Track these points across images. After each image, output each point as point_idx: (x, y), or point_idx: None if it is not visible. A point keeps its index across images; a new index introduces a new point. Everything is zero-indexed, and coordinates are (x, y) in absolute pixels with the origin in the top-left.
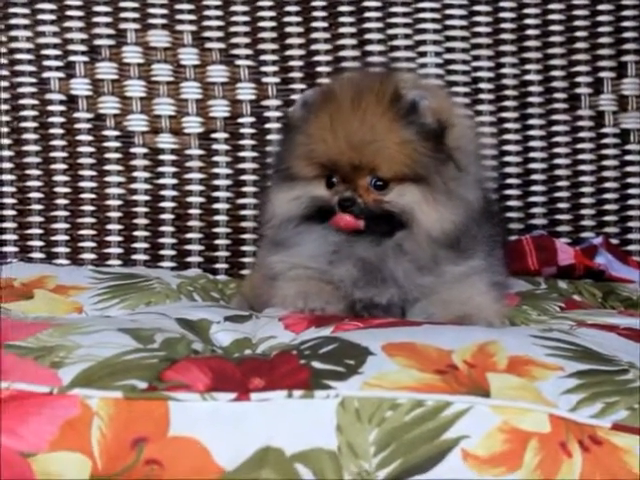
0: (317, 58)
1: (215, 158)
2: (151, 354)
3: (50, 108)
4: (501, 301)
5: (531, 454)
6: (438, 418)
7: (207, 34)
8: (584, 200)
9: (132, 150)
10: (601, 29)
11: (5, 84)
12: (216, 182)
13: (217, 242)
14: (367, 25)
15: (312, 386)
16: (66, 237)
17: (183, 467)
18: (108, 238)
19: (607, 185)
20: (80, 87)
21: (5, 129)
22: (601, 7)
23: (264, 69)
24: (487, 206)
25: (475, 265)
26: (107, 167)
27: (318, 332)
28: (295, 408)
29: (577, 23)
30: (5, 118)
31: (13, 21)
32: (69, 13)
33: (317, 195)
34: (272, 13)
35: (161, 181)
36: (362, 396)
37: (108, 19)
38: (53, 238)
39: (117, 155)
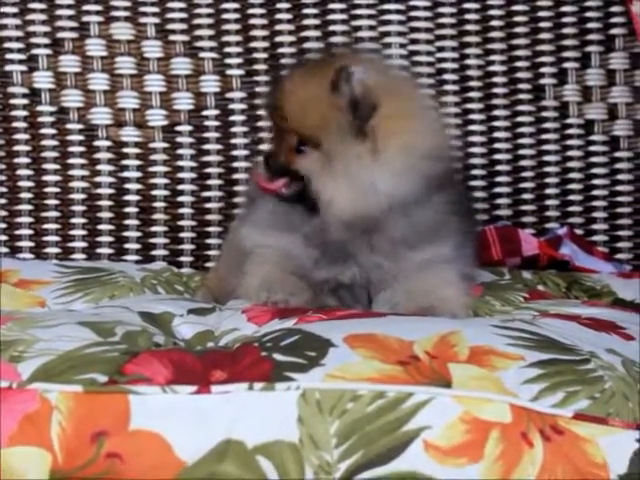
0: (281, 50)
1: (179, 151)
2: (112, 347)
3: (13, 101)
4: (468, 294)
5: (492, 444)
6: (399, 409)
7: (170, 26)
8: (549, 191)
9: (96, 143)
10: (565, 19)
11: None
12: (180, 175)
13: (182, 235)
14: (331, 17)
15: (273, 378)
16: (30, 231)
17: (144, 461)
18: (72, 232)
19: (571, 176)
20: (43, 80)
21: None
22: None
23: (228, 61)
24: (457, 195)
25: (442, 253)
26: (71, 161)
27: (281, 324)
28: (256, 400)
29: (541, 14)
30: None
31: None
32: (32, 6)
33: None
34: (236, 5)
35: (125, 174)
36: (323, 388)
37: (71, 12)
38: (17, 232)
39: (81, 148)
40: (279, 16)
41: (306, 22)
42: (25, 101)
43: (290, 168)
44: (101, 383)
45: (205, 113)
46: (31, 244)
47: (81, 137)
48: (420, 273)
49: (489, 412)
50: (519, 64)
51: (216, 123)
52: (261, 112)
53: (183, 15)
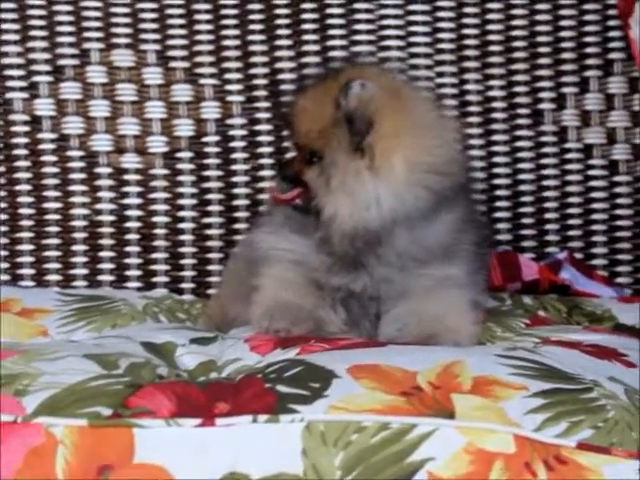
0: (281, 76)
1: (180, 177)
2: (116, 380)
3: (14, 129)
4: (476, 323)
5: (496, 475)
6: (404, 440)
7: (171, 53)
8: (548, 215)
9: (97, 170)
10: (563, 44)
11: None
12: (181, 201)
13: (183, 262)
14: (331, 43)
15: (277, 410)
16: (31, 259)
17: None
18: (73, 259)
19: (571, 200)
20: (44, 107)
21: None
22: (564, 23)
23: (228, 87)
24: (469, 213)
25: (454, 276)
26: (72, 188)
27: (284, 354)
28: (260, 433)
29: (540, 39)
30: None
31: None
32: (33, 33)
33: None
34: (236, 32)
35: (126, 201)
36: (327, 420)
37: (72, 39)
38: (18, 259)
39: (82, 175)
40: (279, 42)
41: (306, 48)
42: (26, 128)
43: (301, 178)
44: (105, 417)
45: (206, 140)
46: (32, 271)
47: (82, 164)
48: (430, 295)
49: (493, 443)
50: (518, 89)
51: (217, 149)
52: (262, 138)
53: (183, 42)
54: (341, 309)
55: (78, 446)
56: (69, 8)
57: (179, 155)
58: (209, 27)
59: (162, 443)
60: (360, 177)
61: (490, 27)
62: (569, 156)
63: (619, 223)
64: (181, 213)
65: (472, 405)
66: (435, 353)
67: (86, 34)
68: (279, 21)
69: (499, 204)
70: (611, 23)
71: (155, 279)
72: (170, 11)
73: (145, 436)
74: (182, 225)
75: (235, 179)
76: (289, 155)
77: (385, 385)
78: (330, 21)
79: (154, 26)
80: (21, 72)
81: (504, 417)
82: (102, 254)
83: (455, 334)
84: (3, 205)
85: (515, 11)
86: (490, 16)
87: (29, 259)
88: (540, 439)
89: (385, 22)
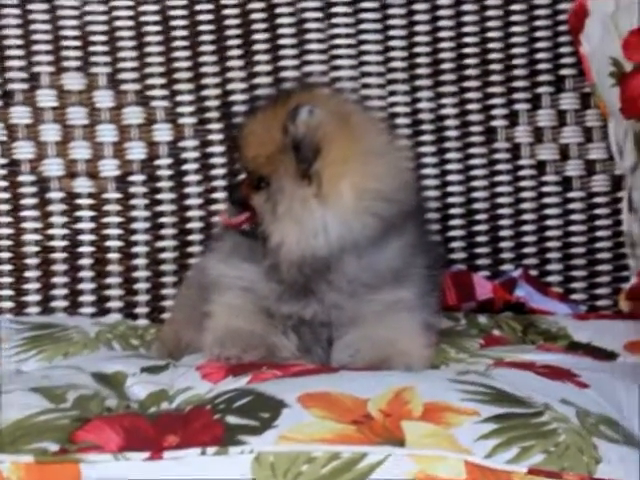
0: (233, 97)
1: (133, 201)
2: (63, 414)
3: None
4: (429, 345)
5: None
6: (354, 470)
7: (122, 76)
8: (503, 233)
9: (48, 195)
10: (515, 61)
11: None
12: (134, 225)
13: (137, 286)
14: (282, 63)
15: (226, 442)
16: None
17: None
18: (26, 286)
19: (525, 217)
20: None
21: None
22: (515, 40)
23: (180, 110)
24: (419, 238)
25: (405, 299)
26: (23, 213)
27: (235, 382)
28: (210, 465)
29: (491, 56)
30: None
31: None
32: None
33: None
34: (187, 53)
35: (79, 226)
36: (277, 451)
37: (21, 62)
38: None
39: (33, 201)
40: (230, 63)
41: (258, 69)
42: None
43: (248, 203)
44: (52, 452)
45: (158, 162)
46: None
47: (33, 189)
48: (382, 319)
49: (444, 470)
50: (470, 107)
51: (169, 172)
52: (215, 160)
53: (134, 64)
54: (293, 336)
55: None
56: (18, 32)
57: (131, 179)
58: (160, 49)
59: (110, 478)
60: (307, 204)
61: (442, 45)
62: (522, 173)
63: (573, 239)
64: (134, 237)
65: (423, 432)
66: (387, 379)
67: (36, 58)
68: (230, 42)
69: (453, 222)
70: (562, 39)
71: (109, 304)
72: (120, 33)
73: (92, 471)
74: (136, 249)
75: (188, 202)
76: (239, 178)
77: (335, 414)
78: (281, 41)
79: (104, 49)
80: None
81: (455, 444)
82: (55, 280)
83: (407, 357)
84: None
85: (466, 29)
86: (441, 34)
87: None
88: (490, 465)
89: (336, 41)
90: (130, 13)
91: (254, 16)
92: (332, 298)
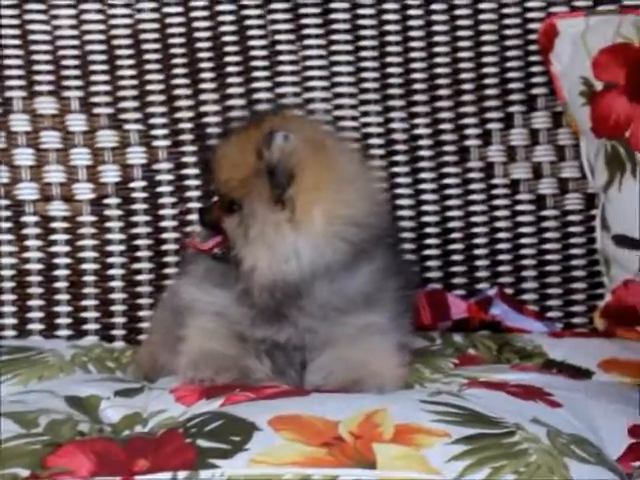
0: (206, 119)
1: (108, 224)
2: (34, 439)
3: None
4: (402, 365)
5: None
6: None
7: (94, 99)
8: (477, 251)
9: (23, 219)
10: (487, 81)
11: None
12: (110, 248)
13: (113, 308)
14: (255, 85)
15: (197, 466)
16: None
17: None
18: (2, 309)
19: (500, 235)
20: None
21: None
22: (486, 59)
23: (154, 132)
24: (389, 261)
25: (377, 322)
26: None
27: (208, 405)
28: None
29: (463, 76)
30: None
31: None
32: None
33: None
34: (160, 76)
35: (54, 249)
36: (248, 474)
37: None
38: None
39: (8, 224)
40: (203, 86)
41: (230, 91)
42: None
43: (220, 226)
44: (23, 478)
45: (132, 185)
46: None
47: (8, 213)
48: (354, 342)
49: None
50: (443, 126)
51: (144, 195)
52: (189, 182)
53: (107, 88)
54: (266, 360)
55: None
56: None
57: (106, 201)
58: (132, 72)
59: None
60: (280, 229)
61: (414, 65)
62: (496, 192)
63: (548, 257)
64: (110, 259)
65: (394, 454)
66: (358, 401)
67: (8, 82)
68: (202, 64)
69: (428, 241)
70: (533, 59)
71: (86, 326)
72: (92, 57)
73: None
74: (111, 271)
75: (163, 224)
76: (211, 201)
77: (306, 436)
78: (254, 63)
79: (77, 72)
80: None
81: (426, 465)
82: (31, 303)
83: (379, 379)
84: None
85: (438, 48)
86: (413, 54)
87: None
88: None
89: (309, 63)
90: (102, 37)
91: (226, 38)
92: (304, 322)
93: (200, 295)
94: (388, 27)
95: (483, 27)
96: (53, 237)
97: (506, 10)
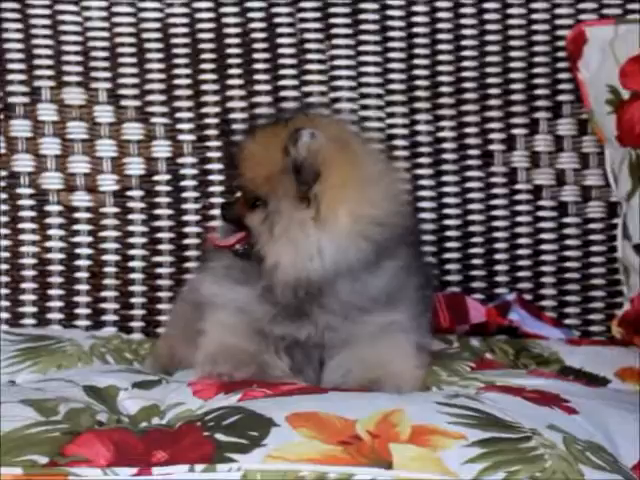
0: (232, 116)
1: (130, 216)
2: (53, 427)
3: None
4: (421, 367)
5: None
6: None
7: (122, 91)
8: (498, 256)
9: (47, 208)
10: (513, 86)
11: None
12: (131, 240)
13: (133, 300)
14: (282, 83)
15: (215, 459)
16: None
17: None
18: (22, 297)
19: (520, 241)
20: None
21: None
22: (513, 65)
23: (179, 126)
24: (411, 261)
25: (398, 321)
26: (21, 225)
27: (226, 399)
28: None
29: (490, 80)
30: None
31: None
32: None
33: None
34: (187, 71)
35: (76, 239)
36: (264, 469)
37: (23, 76)
38: None
39: (32, 213)
40: (230, 82)
41: (257, 88)
42: None
43: (243, 222)
44: (41, 465)
45: (156, 178)
46: None
47: (32, 202)
48: (374, 341)
49: None
50: (468, 130)
51: (167, 188)
52: (213, 177)
53: (135, 80)
54: (285, 357)
55: None
56: (19, 46)
57: (130, 193)
58: (160, 66)
59: None
60: (304, 227)
61: (440, 68)
62: (519, 197)
63: (568, 265)
64: (131, 251)
65: (410, 455)
66: (376, 401)
67: (37, 72)
68: (230, 60)
69: (449, 245)
70: (560, 65)
71: (105, 317)
72: (121, 49)
73: None
74: (132, 263)
75: (185, 218)
76: (233, 197)
77: (323, 434)
78: (281, 61)
79: (105, 64)
80: None
81: (442, 466)
82: (51, 292)
83: (398, 379)
84: None
85: (466, 52)
86: (440, 57)
87: None
88: None
89: (336, 62)
90: (132, 30)
91: (254, 35)
92: (325, 320)
93: (221, 291)
94: (416, 29)
95: (511, 32)
96: (76, 227)
97: (535, 16)
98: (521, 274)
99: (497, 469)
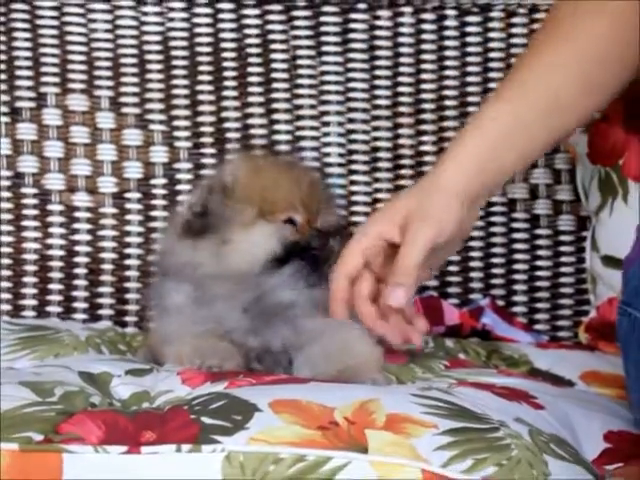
0: (227, 125)
1: (128, 217)
2: (49, 407)
3: None
4: (380, 354)
5: None
6: (318, 472)
7: (123, 99)
8: (473, 264)
9: (49, 207)
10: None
11: None
12: (128, 239)
13: (128, 296)
14: (275, 95)
15: (200, 440)
16: None
17: None
18: (24, 290)
19: (495, 250)
20: (1, 146)
21: None
22: (492, 75)
23: (176, 134)
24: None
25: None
26: (24, 223)
27: (212, 387)
28: (183, 461)
29: (470, 99)
30: None
31: None
32: None
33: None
34: (185, 81)
35: (76, 237)
36: (247, 450)
37: (30, 82)
38: None
39: (35, 212)
40: (226, 93)
41: (251, 99)
42: None
43: None
44: (37, 442)
45: (153, 182)
46: None
47: (35, 201)
48: (335, 334)
49: (402, 477)
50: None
51: (163, 192)
52: None
53: (135, 89)
54: (256, 363)
55: (9, 469)
56: (28, 54)
57: (128, 196)
58: (160, 76)
59: (90, 468)
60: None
61: (424, 86)
62: (494, 209)
63: (539, 274)
64: (128, 250)
65: (385, 441)
66: (353, 391)
67: (44, 78)
68: (226, 73)
69: None
70: None
71: (101, 312)
72: (123, 60)
73: (74, 461)
74: (128, 262)
75: None
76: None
77: (303, 419)
78: (274, 75)
79: (108, 73)
80: None
81: (414, 452)
82: (51, 286)
83: (364, 366)
84: None
85: (448, 72)
86: (424, 76)
87: None
88: (446, 474)
89: (326, 78)
90: (134, 42)
91: (250, 50)
92: (286, 330)
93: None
94: (402, 49)
95: (491, 55)
96: (76, 226)
97: (514, 30)
98: (495, 281)
99: (466, 456)
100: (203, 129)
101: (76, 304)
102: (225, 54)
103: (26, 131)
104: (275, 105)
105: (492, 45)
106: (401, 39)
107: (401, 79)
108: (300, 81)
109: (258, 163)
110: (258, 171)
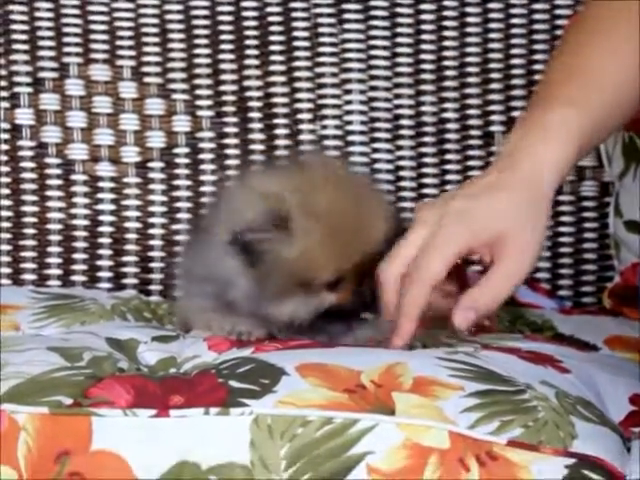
0: (248, 94)
1: (151, 186)
2: (78, 372)
3: None
4: None
5: (431, 469)
6: (345, 435)
7: (145, 69)
8: None
9: (72, 177)
10: (514, 71)
11: None
12: (152, 209)
13: (152, 265)
14: (296, 64)
15: (228, 404)
16: (8, 258)
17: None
18: (48, 260)
19: None
20: (24, 117)
21: None
22: (514, 51)
23: (199, 103)
24: None
25: None
26: (48, 193)
27: (239, 352)
28: (211, 424)
29: (492, 65)
30: None
31: None
32: (15, 47)
33: None
34: (207, 51)
35: (100, 207)
36: (274, 413)
37: (52, 53)
38: None
39: (58, 182)
40: (247, 62)
41: (272, 68)
42: (7, 136)
43: None
44: (66, 405)
45: (176, 151)
46: (9, 270)
47: (59, 171)
48: None
49: (429, 438)
50: (471, 112)
51: (186, 161)
52: (229, 151)
53: (157, 59)
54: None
55: (39, 433)
56: (50, 24)
57: (151, 165)
58: (182, 46)
59: (119, 432)
60: None
61: (446, 54)
62: None
63: (562, 240)
64: (151, 219)
65: (411, 403)
66: (380, 355)
67: (66, 49)
68: (248, 42)
69: None
70: None
71: (125, 281)
72: (145, 30)
73: (103, 424)
74: (152, 231)
75: (203, 189)
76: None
77: (330, 383)
78: (296, 43)
79: (130, 43)
80: (4, 83)
81: (441, 415)
82: (75, 256)
83: None
84: None
85: (470, 39)
86: (446, 53)
87: (6, 259)
88: (473, 436)
89: (347, 45)
90: (155, 11)
91: (271, 19)
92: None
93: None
94: (424, 16)
95: (513, 20)
96: (99, 196)
97: (536, 6)
98: None
99: (492, 418)
100: (225, 98)
101: (101, 273)
102: (246, 23)
103: (49, 101)
104: (297, 74)
105: (514, 11)
106: (423, 6)
107: (423, 46)
108: (321, 49)
109: (320, 186)
110: (319, 204)
